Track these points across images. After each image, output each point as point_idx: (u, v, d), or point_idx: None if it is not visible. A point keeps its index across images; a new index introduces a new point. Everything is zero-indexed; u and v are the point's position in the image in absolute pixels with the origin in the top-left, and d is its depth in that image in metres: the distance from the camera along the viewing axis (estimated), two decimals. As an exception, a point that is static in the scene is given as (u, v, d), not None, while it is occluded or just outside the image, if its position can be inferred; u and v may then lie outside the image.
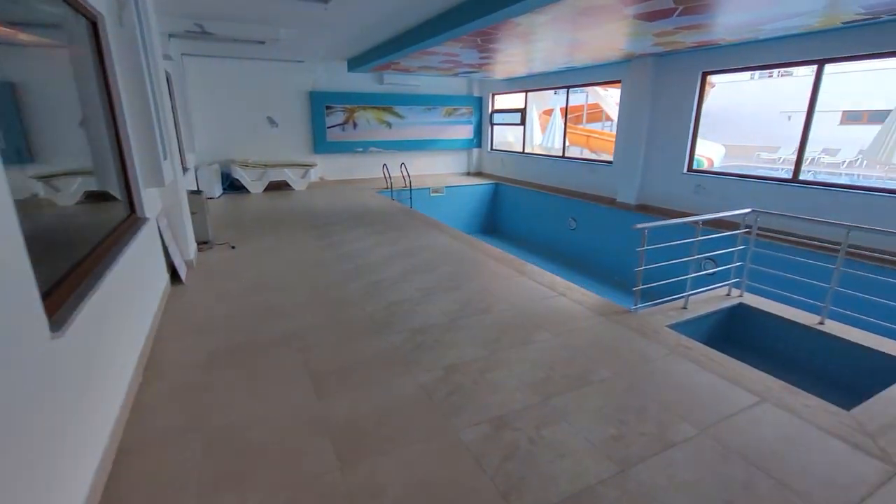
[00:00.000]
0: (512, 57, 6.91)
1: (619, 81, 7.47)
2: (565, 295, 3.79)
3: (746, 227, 3.93)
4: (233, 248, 4.98)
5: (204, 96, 8.48)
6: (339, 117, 9.77)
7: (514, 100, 10.54)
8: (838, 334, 3.36)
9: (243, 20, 5.38)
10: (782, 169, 11.88)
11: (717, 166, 14.61)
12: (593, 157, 10.71)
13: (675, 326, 3.37)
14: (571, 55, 6.71)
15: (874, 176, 10.62)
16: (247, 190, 8.84)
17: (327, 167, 10.12)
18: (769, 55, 5.50)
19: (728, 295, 4.07)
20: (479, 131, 11.45)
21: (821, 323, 3.51)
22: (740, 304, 3.95)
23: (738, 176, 6.15)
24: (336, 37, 6.40)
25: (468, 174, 11.71)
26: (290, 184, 9.14)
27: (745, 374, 2.62)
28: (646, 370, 2.65)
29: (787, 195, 5.47)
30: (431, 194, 9.83)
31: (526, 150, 10.37)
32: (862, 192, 4.91)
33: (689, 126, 6.48)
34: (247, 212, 7.14)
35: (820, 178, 8.63)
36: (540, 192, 9.33)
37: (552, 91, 10.56)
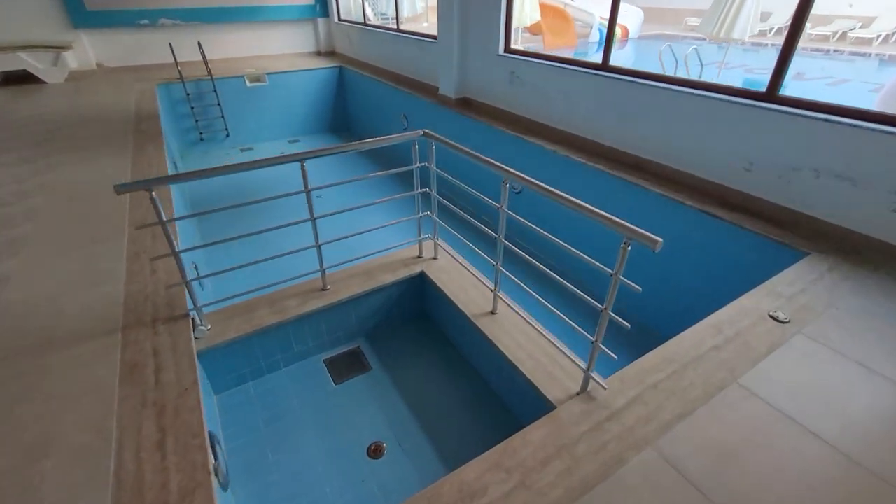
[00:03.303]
0: None
1: (432, -88, 5.21)
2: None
3: (422, 160, 2.54)
4: None
5: None
6: (97, -27, 7.06)
7: (351, -54, 7.87)
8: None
9: None
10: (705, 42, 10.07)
11: (633, 36, 12.50)
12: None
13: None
14: None
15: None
16: (-30, 85, 6.56)
17: (104, 49, 7.67)
18: None
19: (419, 257, 2.85)
20: (322, -7, 8.83)
21: (493, 312, 2.38)
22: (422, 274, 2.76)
23: (544, 59, 4.51)
24: None
25: (318, 54, 9.36)
26: (37, 74, 6.84)
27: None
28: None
29: (598, 89, 3.99)
30: (248, 84, 7.72)
31: (368, 22, 8.07)
32: (676, 87, 3.47)
33: (500, -16, 4.60)
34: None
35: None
36: (371, 79, 7.39)
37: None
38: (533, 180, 1.85)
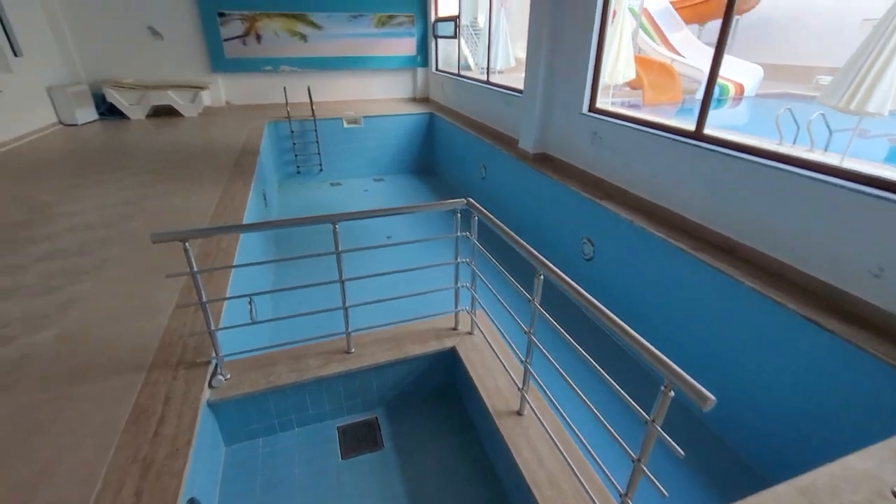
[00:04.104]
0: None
1: (529, -27, 5.25)
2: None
3: (464, 230, 2.36)
4: (-61, 199, 4.14)
5: (63, 7, 7.31)
6: (237, 28, 8.24)
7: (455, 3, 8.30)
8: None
9: None
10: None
11: (751, 94, 11.46)
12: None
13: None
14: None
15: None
16: (127, 115, 7.90)
17: (233, 89, 8.84)
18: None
19: (454, 329, 2.63)
20: (423, 46, 9.38)
21: (518, 413, 2.07)
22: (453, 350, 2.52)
23: (629, 121, 4.15)
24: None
25: (414, 100, 9.87)
26: (178, 109, 8.05)
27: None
28: None
29: (688, 158, 3.55)
30: (346, 125, 8.33)
31: (460, 73, 8.32)
32: (785, 167, 2.94)
33: (589, 42, 4.41)
34: (89, 144, 6.24)
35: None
36: (456, 127, 7.52)
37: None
38: (569, 280, 1.57)
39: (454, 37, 7.98)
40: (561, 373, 1.70)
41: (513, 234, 1.91)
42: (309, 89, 8.20)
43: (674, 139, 3.63)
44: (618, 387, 1.42)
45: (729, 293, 2.90)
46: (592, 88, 4.62)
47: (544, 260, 1.68)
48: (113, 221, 3.78)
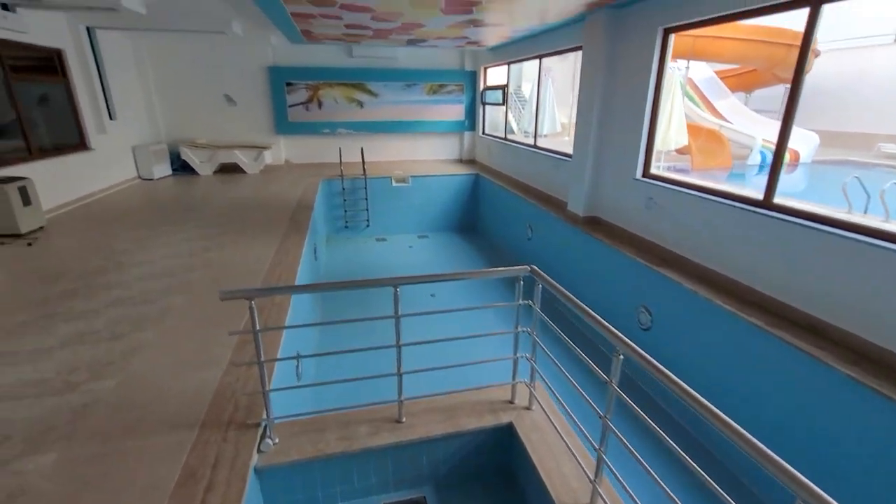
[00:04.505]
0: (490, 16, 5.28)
1: (580, 48, 5.49)
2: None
3: (526, 298, 2.27)
4: (28, 245, 4.50)
5: (155, 76, 8.28)
6: (301, 95, 8.98)
7: (503, 74, 8.74)
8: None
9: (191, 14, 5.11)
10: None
11: (807, 160, 11.13)
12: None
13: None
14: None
15: None
16: (197, 172, 8.57)
17: (292, 149, 9.48)
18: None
19: (511, 402, 2.46)
20: (471, 112, 9.84)
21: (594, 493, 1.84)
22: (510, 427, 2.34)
23: (688, 187, 4.04)
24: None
25: (460, 161, 10.22)
26: (242, 167, 8.67)
27: None
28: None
29: (757, 227, 3.37)
30: (394, 184, 8.66)
31: (508, 137, 8.58)
32: (870, 240, 2.72)
33: (643, 110, 4.44)
34: (162, 197, 6.76)
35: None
36: (503, 188, 7.63)
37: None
38: (661, 367, 1.43)
39: (502, 104, 8.32)
40: (646, 468, 1.50)
41: (586, 307, 1.80)
42: (362, 150, 8.69)
43: (741, 207, 3.47)
44: (725, 495, 1.22)
45: (819, 379, 2.59)
46: (646, 155, 4.59)
47: (625, 339, 1.55)
48: (176, 271, 3.95)
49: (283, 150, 9.40)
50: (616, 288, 4.61)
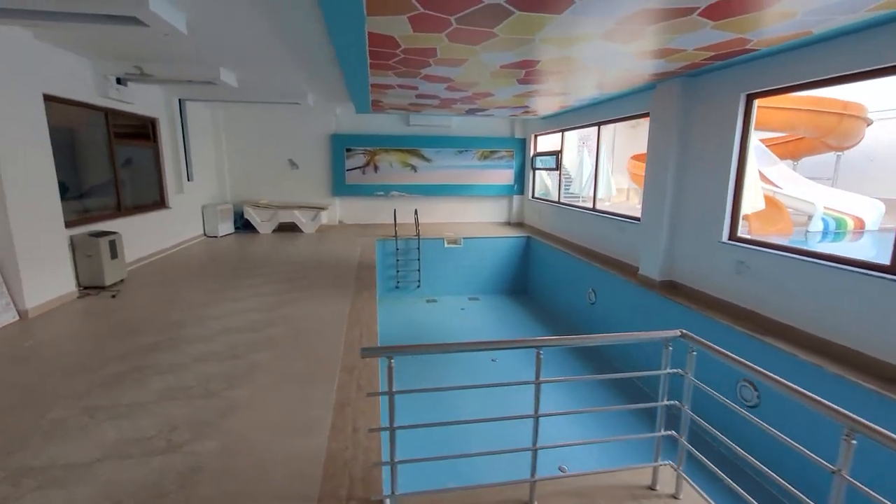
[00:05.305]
0: (546, 87, 5.55)
1: (647, 114, 5.59)
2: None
3: (677, 367, 2.05)
4: (112, 297, 4.59)
5: (227, 142, 8.90)
6: (359, 160, 9.42)
7: (555, 141, 8.99)
8: None
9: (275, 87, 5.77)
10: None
11: (873, 227, 10.67)
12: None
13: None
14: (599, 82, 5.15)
15: None
16: (258, 230, 8.87)
17: (346, 210, 9.78)
18: (841, 61, 3.34)
19: (653, 489, 2.15)
20: (521, 176, 10.05)
21: None
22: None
23: (801, 254, 3.81)
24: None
25: (508, 224, 10.27)
26: (300, 226, 8.94)
27: None
28: None
29: (880, 294, 3.09)
30: (446, 245, 8.69)
31: (561, 201, 8.62)
32: None
33: (728, 175, 4.36)
34: (228, 254, 6.96)
35: None
36: (561, 252, 7.51)
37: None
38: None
39: (556, 168, 8.47)
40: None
41: (799, 389, 1.58)
42: (416, 211, 8.87)
43: (861, 273, 3.22)
44: None
45: None
46: (732, 217, 4.44)
47: (857, 418, 1.33)
48: (257, 326, 3.90)
49: (338, 211, 9.71)
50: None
